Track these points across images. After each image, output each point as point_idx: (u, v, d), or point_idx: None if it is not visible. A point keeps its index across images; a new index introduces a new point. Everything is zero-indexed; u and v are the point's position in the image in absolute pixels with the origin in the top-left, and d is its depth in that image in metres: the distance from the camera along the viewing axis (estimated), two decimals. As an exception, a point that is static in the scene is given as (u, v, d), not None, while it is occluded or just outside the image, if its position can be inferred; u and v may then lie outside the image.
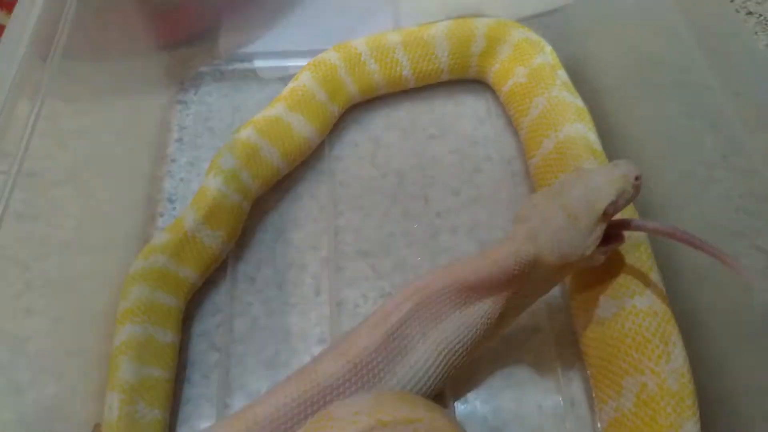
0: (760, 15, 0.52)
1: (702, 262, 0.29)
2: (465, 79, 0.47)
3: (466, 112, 0.47)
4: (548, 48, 0.45)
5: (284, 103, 0.41)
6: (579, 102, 0.41)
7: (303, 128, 0.41)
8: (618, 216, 0.30)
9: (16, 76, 0.29)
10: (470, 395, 0.34)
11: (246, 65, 0.48)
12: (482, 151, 0.45)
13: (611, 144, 0.40)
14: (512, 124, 0.45)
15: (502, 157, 0.44)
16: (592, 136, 0.39)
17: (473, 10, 0.47)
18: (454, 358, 0.30)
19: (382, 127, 0.46)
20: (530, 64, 0.44)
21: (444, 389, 0.34)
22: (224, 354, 0.35)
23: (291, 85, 0.42)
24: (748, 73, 0.31)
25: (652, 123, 0.39)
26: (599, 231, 0.28)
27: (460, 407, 0.34)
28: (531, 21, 0.47)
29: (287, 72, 0.47)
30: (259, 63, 0.48)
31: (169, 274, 0.34)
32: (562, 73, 0.43)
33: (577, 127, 0.39)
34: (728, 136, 0.31)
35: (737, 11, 0.51)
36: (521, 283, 0.29)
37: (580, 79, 0.43)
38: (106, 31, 0.40)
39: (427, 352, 0.29)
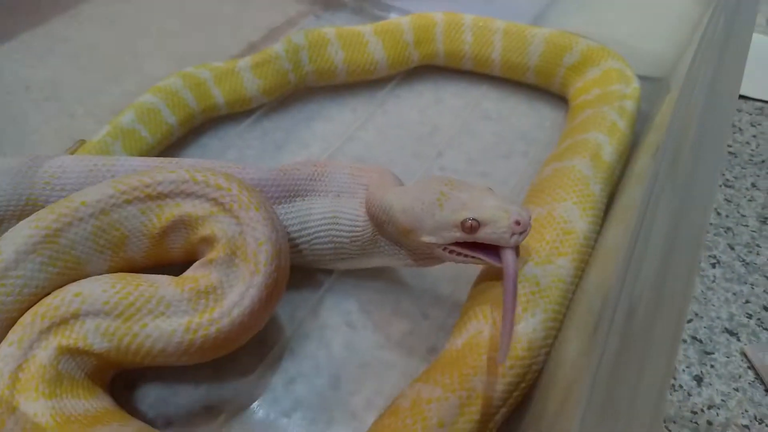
0: None
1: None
2: (549, 90, 0.48)
3: (533, 116, 0.48)
4: (634, 84, 0.43)
5: (373, 27, 0.47)
6: (621, 123, 0.39)
7: (376, 50, 0.46)
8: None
9: None
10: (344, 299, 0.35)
11: (382, 12, 0.56)
12: (522, 147, 0.45)
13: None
14: (568, 137, 0.44)
15: (537, 157, 0.44)
16: (608, 149, 0.37)
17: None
18: (332, 231, 0.32)
19: (452, 93, 0.49)
20: (606, 88, 0.43)
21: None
22: (206, 164, 0.42)
23: (389, 20, 0.48)
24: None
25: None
26: (450, 235, 0.28)
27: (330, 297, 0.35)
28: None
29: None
30: (392, 14, 0.56)
31: (202, 85, 0.42)
32: (630, 104, 0.41)
33: (596, 135, 0.38)
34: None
35: None
36: (376, 216, 0.31)
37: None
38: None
39: (322, 210, 0.33)
